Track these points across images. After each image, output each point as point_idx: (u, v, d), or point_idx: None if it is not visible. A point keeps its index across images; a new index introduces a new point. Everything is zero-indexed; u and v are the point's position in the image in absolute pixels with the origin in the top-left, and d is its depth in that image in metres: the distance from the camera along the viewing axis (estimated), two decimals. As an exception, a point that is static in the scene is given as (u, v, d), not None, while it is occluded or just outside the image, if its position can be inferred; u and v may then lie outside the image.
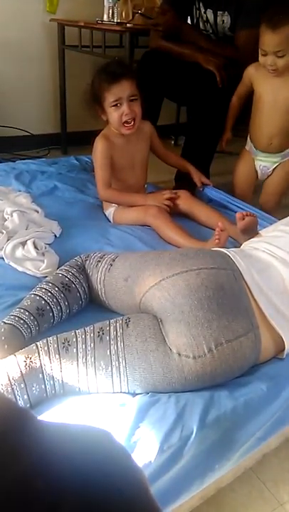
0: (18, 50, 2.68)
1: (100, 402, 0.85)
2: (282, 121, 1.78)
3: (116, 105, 1.48)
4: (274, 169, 1.89)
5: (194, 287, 0.90)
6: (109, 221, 1.66)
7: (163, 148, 1.77)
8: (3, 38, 2.60)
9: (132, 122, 1.51)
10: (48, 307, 1.02)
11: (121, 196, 1.62)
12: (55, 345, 0.88)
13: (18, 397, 0.83)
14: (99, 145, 1.57)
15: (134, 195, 1.64)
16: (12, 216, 1.43)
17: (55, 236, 1.45)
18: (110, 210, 1.65)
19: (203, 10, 1.99)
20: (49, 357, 0.87)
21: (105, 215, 1.69)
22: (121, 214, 1.63)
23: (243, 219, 1.38)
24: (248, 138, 1.92)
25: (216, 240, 1.34)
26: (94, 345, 0.88)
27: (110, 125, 1.57)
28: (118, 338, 0.88)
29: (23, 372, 0.85)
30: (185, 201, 1.65)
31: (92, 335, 0.89)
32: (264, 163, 1.90)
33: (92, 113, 1.57)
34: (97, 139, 1.58)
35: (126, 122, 1.51)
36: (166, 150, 1.79)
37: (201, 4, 1.98)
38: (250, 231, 1.39)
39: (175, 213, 1.61)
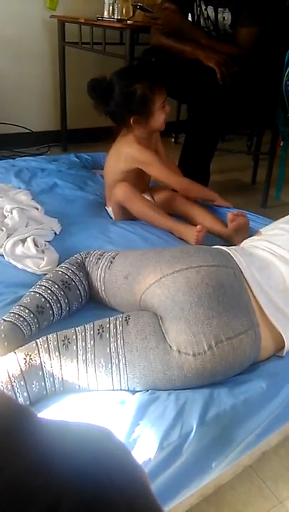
0: (18, 46, 2.67)
1: (99, 399, 0.85)
2: None
3: (163, 106, 1.55)
4: None
5: (194, 284, 0.90)
6: (111, 217, 1.65)
7: (164, 154, 1.75)
8: (3, 34, 2.60)
9: None
10: (47, 305, 1.02)
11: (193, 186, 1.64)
12: (55, 343, 0.88)
13: (17, 395, 0.83)
14: (140, 146, 1.56)
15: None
16: (12, 213, 1.43)
17: (55, 233, 1.45)
18: (113, 207, 1.64)
19: (203, 7, 1.98)
20: (49, 354, 0.87)
21: (107, 211, 1.68)
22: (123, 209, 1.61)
23: (234, 220, 1.43)
24: None
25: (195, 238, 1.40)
26: (94, 342, 0.88)
27: (144, 130, 1.56)
28: (118, 336, 0.88)
29: (23, 369, 0.85)
30: (181, 201, 1.64)
31: (92, 332, 0.89)
32: None
33: (121, 124, 1.56)
34: (132, 143, 1.56)
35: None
36: (167, 158, 1.77)
37: (201, 1, 1.98)
38: (242, 232, 1.41)
39: (171, 213, 1.60)
